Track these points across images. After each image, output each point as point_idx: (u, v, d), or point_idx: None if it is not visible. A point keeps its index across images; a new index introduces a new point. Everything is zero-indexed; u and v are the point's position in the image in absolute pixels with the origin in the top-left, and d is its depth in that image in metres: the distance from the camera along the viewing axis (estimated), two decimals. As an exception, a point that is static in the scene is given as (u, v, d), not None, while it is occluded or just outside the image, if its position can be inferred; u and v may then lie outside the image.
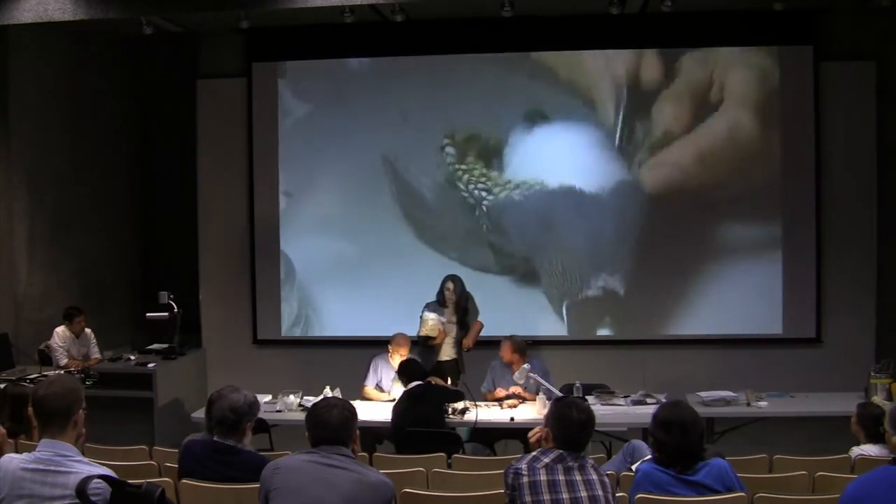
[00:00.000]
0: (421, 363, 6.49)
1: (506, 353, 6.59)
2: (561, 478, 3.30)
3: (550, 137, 8.60)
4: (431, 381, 6.39)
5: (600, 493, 3.29)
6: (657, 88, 8.44)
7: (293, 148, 8.86)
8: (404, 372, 6.31)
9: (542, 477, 3.31)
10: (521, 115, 8.58)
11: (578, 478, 3.31)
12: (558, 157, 8.57)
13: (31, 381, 6.44)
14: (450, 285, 7.24)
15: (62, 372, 7.02)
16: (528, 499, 3.29)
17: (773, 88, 8.37)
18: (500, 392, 6.59)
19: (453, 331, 7.21)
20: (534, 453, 3.42)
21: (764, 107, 8.37)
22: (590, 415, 3.49)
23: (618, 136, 8.48)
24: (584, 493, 3.27)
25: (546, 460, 3.35)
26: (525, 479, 3.31)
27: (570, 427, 3.41)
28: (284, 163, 8.86)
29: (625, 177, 8.49)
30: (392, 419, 6.05)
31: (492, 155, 8.65)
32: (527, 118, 8.58)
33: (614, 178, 8.50)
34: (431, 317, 7.06)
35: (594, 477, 3.33)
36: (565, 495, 3.27)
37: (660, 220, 8.49)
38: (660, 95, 8.43)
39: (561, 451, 3.37)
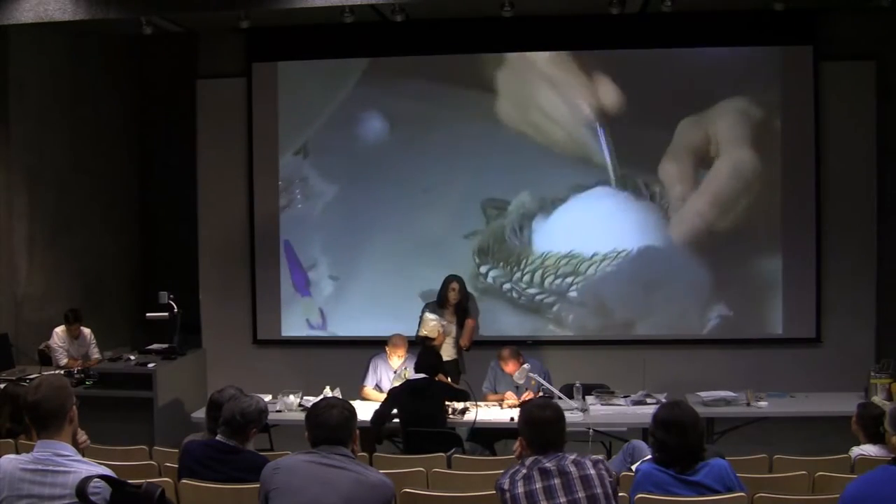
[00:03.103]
0: (439, 358, 6.42)
1: (510, 367, 6.57)
2: (538, 486, 3.25)
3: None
4: (437, 378, 6.39)
5: (580, 494, 3.22)
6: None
7: (293, 148, 8.86)
8: (420, 358, 6.26)
9: (520, 489, 3.26)
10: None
11: (557, 481, 3.25)
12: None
13: (31, 381, 6.43)
14: (455, 285, 7.22)
15: (55, 372, 7.01)
16: None
17: (773, 88, 8.37)
18: (510, 396, 6.58)
19: (453, 331, 7.20)
20: (516, 465, 3.38)
21: (763, 107, 8.37)
22: (555, 411, 3.44)
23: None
24: (563, 499, 3.22)
25: (524, 471, 3.31)
26: (507, 494, 3.28)
27: (536, 427, 3.39)
28: (284, 163, 8.86)
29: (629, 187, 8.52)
30: (386, 403, 6.08)
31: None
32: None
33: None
34: (432, 318, 7.03)
35: (575, 474, 3.25)
36: None
37: (657, 223, 8.50)
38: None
39: (537, 456, 3.33)
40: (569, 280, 8.51)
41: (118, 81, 9.52)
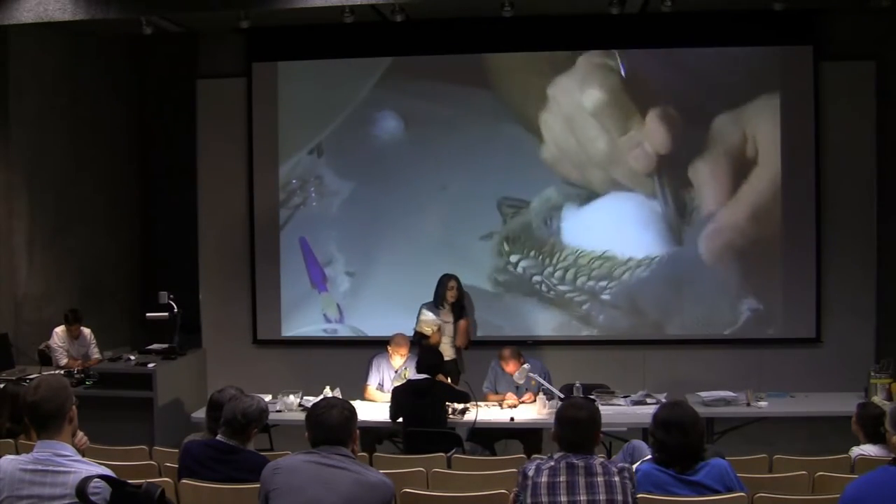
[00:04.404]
0: (441, 357, 6.42)
1: (511, 367, 6.57)
2: (562, 479, 3.29)
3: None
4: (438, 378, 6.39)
5: (602, 497, 3.25)
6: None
7: (293, 148, 8.87)
8: (422, 358, 6.27)
9: (544, 479, 3.30)
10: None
11: (581, 480, 3.28)
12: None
13: (31, 381, 6.43)
14: (452, 283, 7.24)
15: (55, 372, 7.01)
16: (529, 500, 3.29)
17: (773, 88, 8.37)
18: (511, 397, 6.57)
19: (450, 330, 7.20)
20: (546, 456, 3.41)
21: (764, 107, 8.36)
22: (590, 413, 3.46)
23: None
24: (583, 497, 3.24)
25: (551, 462, 3.34)
26: (530, 481, 3.32)
27: (567, 427, 3.40)
28: (284, 163, 8.86)
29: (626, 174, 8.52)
30: (391, 403, 6.11)
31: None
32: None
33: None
34: (430, 316, 7.06)
35: (600, 479, 3.28)
36: (563, 498, 3.25)
37: (656, 222, 8.50)
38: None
39: (567, 451, 3.36)
40: (602, 283, 8.48)
41: (118, 81, 9.52)
